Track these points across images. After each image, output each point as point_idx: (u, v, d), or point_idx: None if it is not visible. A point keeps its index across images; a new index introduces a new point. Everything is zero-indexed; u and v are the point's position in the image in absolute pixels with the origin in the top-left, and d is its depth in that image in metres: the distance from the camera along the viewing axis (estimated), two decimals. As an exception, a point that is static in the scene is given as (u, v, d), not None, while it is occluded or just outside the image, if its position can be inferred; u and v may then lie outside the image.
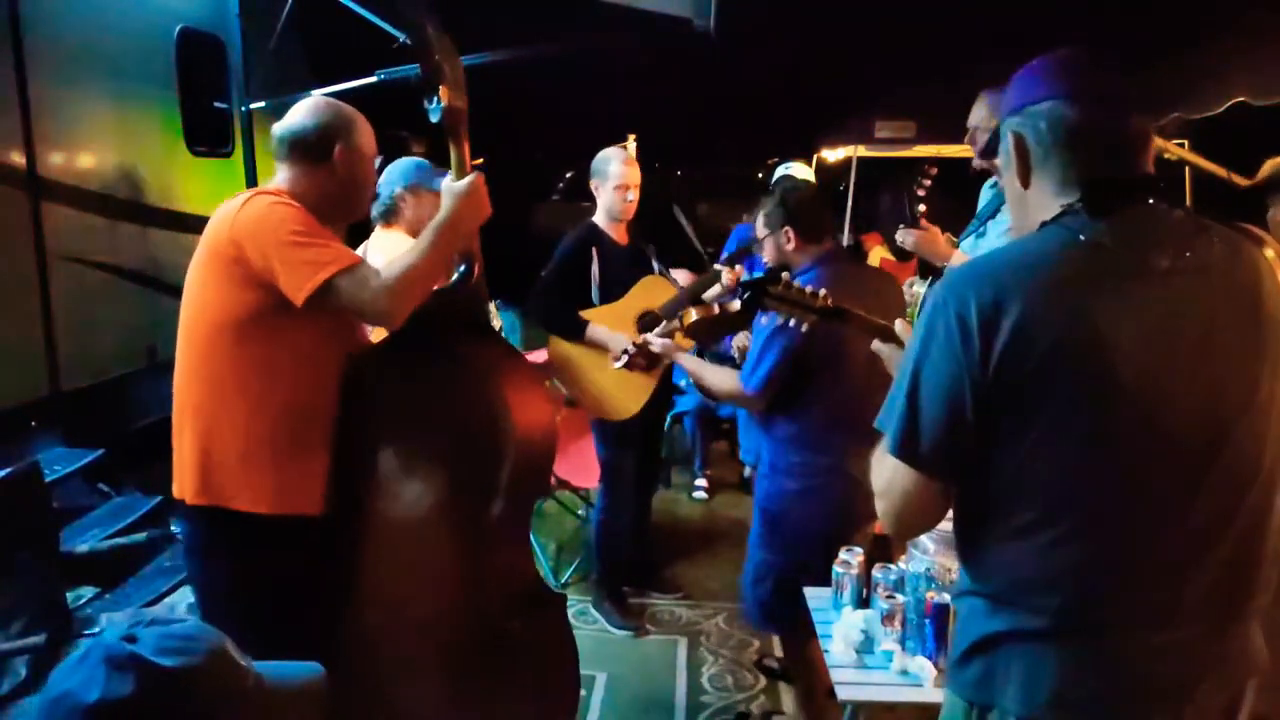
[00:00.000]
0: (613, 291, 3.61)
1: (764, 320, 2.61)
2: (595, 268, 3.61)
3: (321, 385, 2.12)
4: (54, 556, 2.82)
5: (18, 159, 3.66)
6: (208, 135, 5.03)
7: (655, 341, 3.09)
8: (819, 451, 2.63)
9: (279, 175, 2.12)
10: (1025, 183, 1.33)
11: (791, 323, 1.84)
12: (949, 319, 1.22)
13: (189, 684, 0.95)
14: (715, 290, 3.59)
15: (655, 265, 3.76)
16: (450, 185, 2.08)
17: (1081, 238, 1.22)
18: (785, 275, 1.85)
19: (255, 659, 1.03)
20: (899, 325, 1.74)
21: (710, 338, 3.00)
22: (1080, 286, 1.20)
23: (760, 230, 2.80)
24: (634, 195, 3.68)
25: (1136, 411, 1.19)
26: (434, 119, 2.06)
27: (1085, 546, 1.22)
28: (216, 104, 5.17)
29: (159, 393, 4.43)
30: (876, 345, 1.75)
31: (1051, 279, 1.21)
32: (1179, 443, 1.21)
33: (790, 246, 2.73)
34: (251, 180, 5.34)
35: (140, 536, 3.06)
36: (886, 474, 1.32)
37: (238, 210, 2.01)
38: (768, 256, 2.81)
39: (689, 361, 2.95)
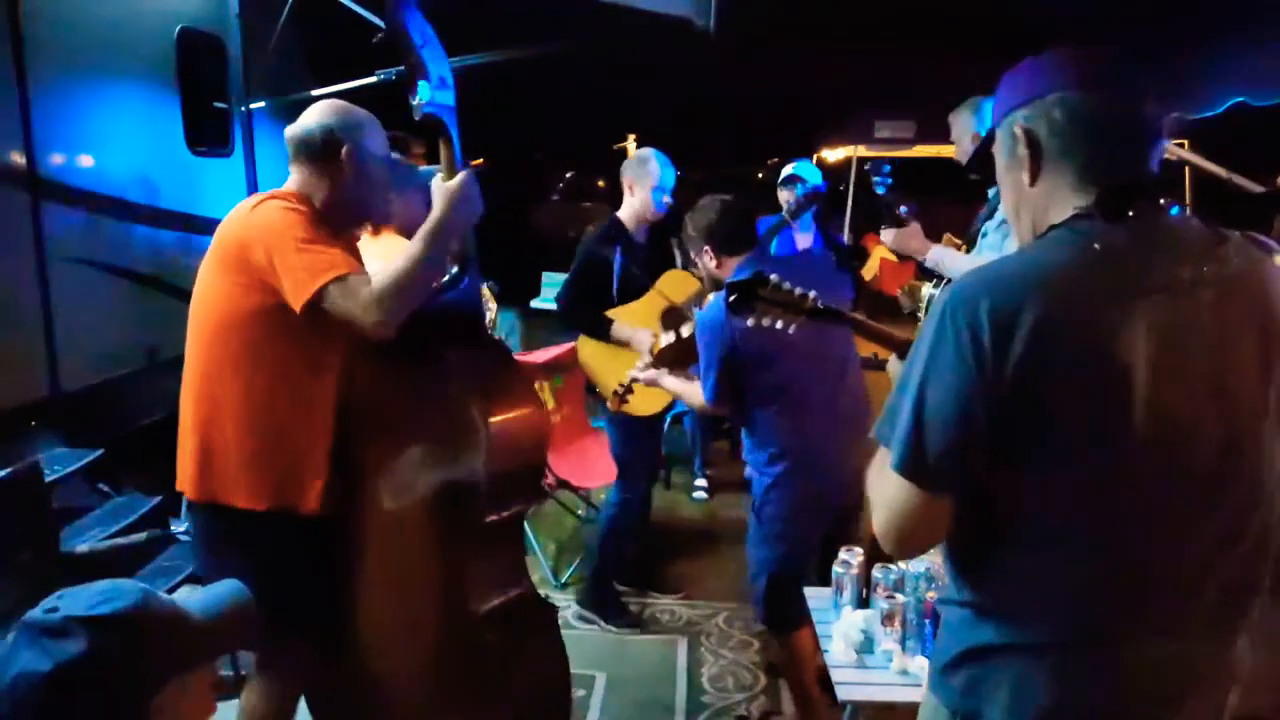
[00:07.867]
0: (632, 289, 3.58)
1: (701, 335, 2.68)
2: (616, 265, 3.60)
3: (321, 386, 2.12)
4: (54, 556, 2.82)
5: (18, 159, 3.65)
6: (208, 135, 5.02)
7: (641, 377, 3.14)
8: (779, 443, 2.70)
9: (291, 177, 2.13)
10: (1034, 180, 1.26)
11: (779, 324, 1.82)
12: (959, 328, 1.14)
13: (135, 624, 0.96)
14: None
15: (679, 258, 3.77)
16: (440, 185, 2.03)
17: (1097, 245, 1.16)
18: (774, 277, 1.82)
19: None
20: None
21: (677, 364, 3.07)
22: (1097, 298, 1.14)
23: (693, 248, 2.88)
24: (669, 199, 3.63)
25: (1156, 428, 1.14)
26: (416, 116, 2.02)
27: (1097, 563, 1.19)
28: (216, 104, 5.16)
29: (159, 393, 4.45)
30: (892, 364, 1.77)
31: (1068, 288, 1.14)
32: (1196, 459, 1.17)
33: (713, 264, 2.79)
34: (251, 180, 5.33)
35: (140, 536, 3.06)
36: (888, 490, 1.23)
37: (249, 212, 2.04)
38: (703, 273, 2.94)
39: (671, 383, 3.04)
